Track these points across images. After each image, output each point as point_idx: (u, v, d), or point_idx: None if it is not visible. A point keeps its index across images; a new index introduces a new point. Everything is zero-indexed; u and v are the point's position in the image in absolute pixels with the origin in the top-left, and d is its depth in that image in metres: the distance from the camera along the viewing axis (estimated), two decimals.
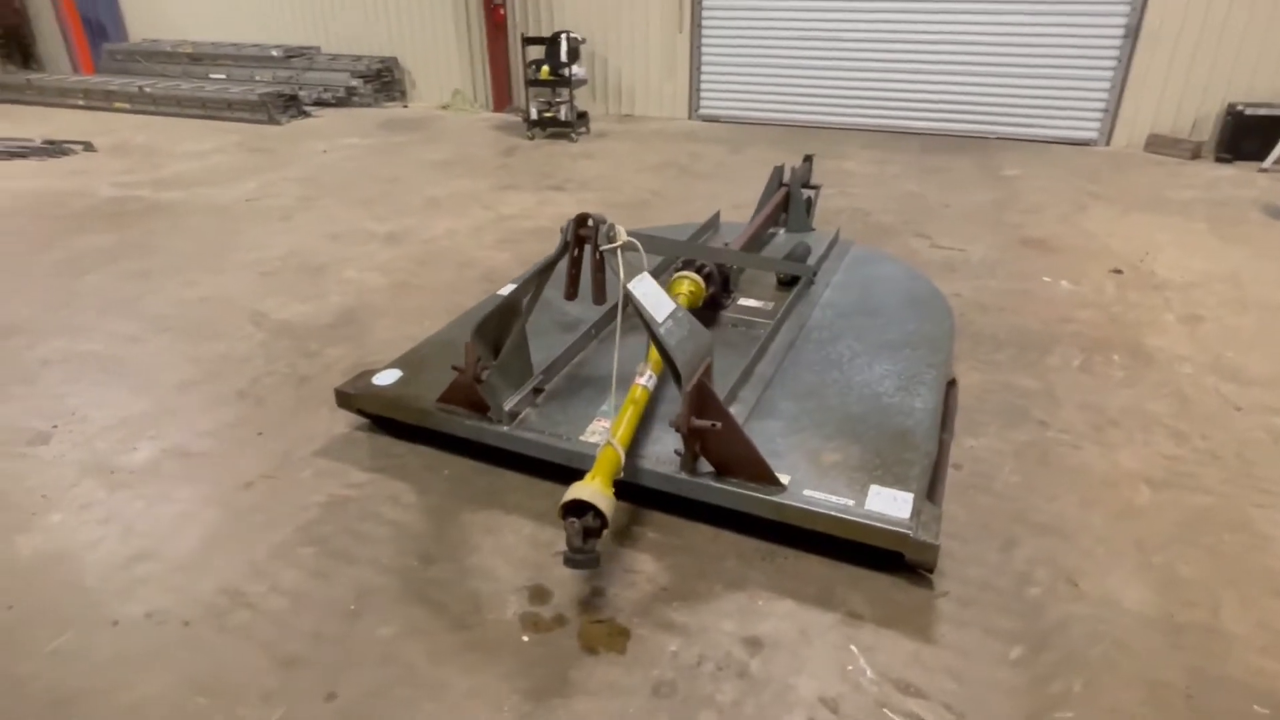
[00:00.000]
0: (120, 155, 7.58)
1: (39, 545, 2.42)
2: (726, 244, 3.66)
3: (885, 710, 1.86)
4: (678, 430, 2.17)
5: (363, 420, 3.01)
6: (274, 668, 1.99)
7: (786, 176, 4.30)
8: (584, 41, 7.94)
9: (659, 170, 6.78)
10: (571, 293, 2.37)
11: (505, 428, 2.59)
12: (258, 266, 4.66)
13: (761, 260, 3.31)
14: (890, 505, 2.19)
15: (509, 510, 2.55)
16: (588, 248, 2.25)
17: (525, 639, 2.08)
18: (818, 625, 2.11)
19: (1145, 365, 3.43)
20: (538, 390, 2.75)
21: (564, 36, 7.56)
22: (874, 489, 2.25)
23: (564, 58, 7.59)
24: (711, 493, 2.32)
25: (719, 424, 2.15)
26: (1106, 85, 7.32)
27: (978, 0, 7.40)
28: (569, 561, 1.97)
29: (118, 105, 9.70)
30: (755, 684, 1.94)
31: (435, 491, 2.65)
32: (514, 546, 2.40)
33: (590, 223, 2.16)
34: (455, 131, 8.51)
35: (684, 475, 2.33)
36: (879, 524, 2.13)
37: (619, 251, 2.15)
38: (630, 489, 2.42)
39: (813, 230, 4.33)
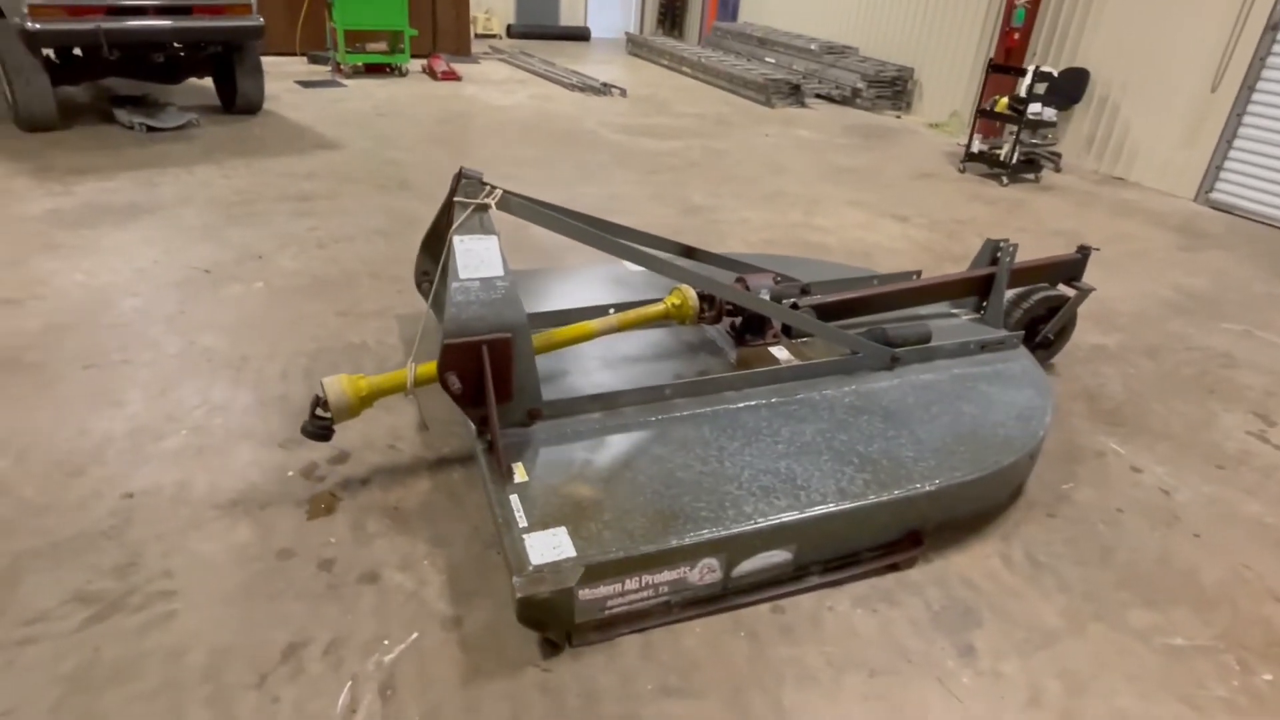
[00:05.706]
0: (635, 103, 9.45)
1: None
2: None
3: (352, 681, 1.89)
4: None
5: None
6: (203, 397, 2.91)
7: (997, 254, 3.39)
8: (1055, 76, 6.79)
9: (1043, 238, 5.65)
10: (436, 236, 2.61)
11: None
12: (573, 201, 5.63)
13: (754, 300, 2.78)
14: (544, 549, 1.99)
15: (418, 400, 3.00)
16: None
17: (289, 474, 2.58)
18: (424, 607, 2.12)
19: None
20: None
21: (1032, 70, 6.62)
22: (556, 530, 2.06)
23: (1023, 92, 6.68)
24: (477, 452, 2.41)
25: (460, 387, 2.24)
26: None
27: None
28: (302, 428, 2.37)
29: (684, 69, 11.84)
30: (337, 602, 2.12)
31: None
32: (388, 427, 2.86)
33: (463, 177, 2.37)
34: (903, 148, 8.24)
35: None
36: (509, 553, 1.99)
37: (471, 207, 2.33)
38: None
39: (1047, 347, 3.34)
